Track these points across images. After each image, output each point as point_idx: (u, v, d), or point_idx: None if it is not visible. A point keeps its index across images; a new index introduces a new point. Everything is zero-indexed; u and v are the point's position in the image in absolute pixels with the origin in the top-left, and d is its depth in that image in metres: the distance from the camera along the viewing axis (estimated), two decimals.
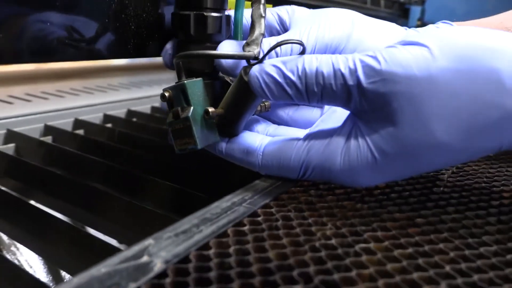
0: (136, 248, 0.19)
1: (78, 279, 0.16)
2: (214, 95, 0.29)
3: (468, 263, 0.20)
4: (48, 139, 0.51)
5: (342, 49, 0.30)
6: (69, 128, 0.54)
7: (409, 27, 0.34)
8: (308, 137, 0.26)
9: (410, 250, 0.21)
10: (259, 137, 0.28)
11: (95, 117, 0.57)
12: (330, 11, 0.32)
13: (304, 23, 0.30)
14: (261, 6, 0.29)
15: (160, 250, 0.19)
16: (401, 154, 0.23)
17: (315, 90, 0.24)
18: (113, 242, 0.33)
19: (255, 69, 0.25)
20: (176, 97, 0.28)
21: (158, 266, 0.18)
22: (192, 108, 0.27)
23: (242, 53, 0.27)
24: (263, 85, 0.25)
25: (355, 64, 0.23)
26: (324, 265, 0.19)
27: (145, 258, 0.18)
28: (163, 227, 0.21)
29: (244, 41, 0.27)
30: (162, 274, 0.17)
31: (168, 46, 0.31)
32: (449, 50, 0.22)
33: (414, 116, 0.22)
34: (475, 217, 0.25)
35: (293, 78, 0.24)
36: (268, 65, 0.25)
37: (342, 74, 0.23)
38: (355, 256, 0.20)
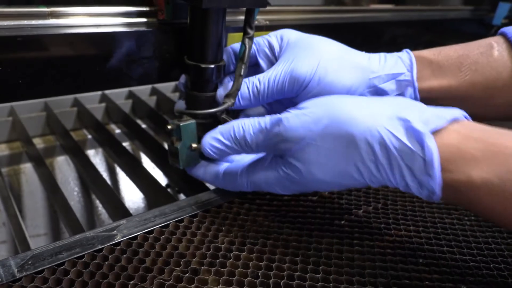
0: (113, 224, 0.36)
1: (78, 236, 0.34)
2: (204, 131, 0.43)
3: (288, 280, 0.33)
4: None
5: (308, 82, 0.42)
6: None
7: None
8: (248, 164, 0.40)
9: (263, 262, 0.34)
10: (223, 164, 0.42)
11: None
12: (310, 44, 0.43)
13: (287, 54, 0.43)
14: (243, 66, 0.41)
15: (125, 228, 0.35)
16: (298, 183, 0.36)
17: (245, 148, 0.37)
18: None
19: (204, 139, 0.39)
20: (175, 131, 0.42)
21: (117, 238, 0.34)
22: (181, 142, 0.41)
23: (218, 108, 0.41)
24: (210, 152, 0.39)
25: (266, 128, 0.36)
26: (188, 260, 0.34)
27: (114, 232, 0.35)
28: None
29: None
30: (117, 244, 0.34)
31: (181, 78, 0.46)
32: (327, 118, 0.33)
33: (301, 162, 0.35)
34: (337, 251, 0.37)
35: (229, 143, 0.38)
36: (210, 137, 0.39)
37: (259, 136, 0.36)
38: (214, 264, 0.34)
